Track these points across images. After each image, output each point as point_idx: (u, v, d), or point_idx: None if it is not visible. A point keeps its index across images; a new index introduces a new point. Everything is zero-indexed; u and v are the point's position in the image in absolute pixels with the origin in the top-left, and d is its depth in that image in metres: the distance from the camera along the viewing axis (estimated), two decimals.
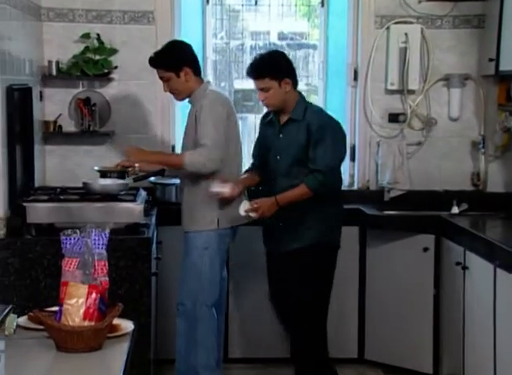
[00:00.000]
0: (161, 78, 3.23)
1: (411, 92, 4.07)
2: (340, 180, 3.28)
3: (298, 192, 3.05)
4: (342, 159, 3.17)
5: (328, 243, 3.17)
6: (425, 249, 3.64)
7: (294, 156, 3.08)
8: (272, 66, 3.07)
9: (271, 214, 3.07)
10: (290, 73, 3.11)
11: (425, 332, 3.68)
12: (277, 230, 3.17)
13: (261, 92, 3.08)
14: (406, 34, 3.98)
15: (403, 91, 4.05)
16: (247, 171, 3.34)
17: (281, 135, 3.13)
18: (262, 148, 3.25)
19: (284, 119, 3.14)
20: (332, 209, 3.18)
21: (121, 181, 3.25)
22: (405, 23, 4.02)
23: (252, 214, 3.05)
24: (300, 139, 3.06)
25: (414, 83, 4.01)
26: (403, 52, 3.98)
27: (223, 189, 3.06)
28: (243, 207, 3.05)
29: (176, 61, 3.18)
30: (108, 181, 3.28)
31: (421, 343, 3.69)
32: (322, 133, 3.05)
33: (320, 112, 3.19)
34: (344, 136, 3.19)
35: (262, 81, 3.05)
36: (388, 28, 4.03)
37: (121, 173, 3.29)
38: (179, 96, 3.27)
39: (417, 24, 4.02)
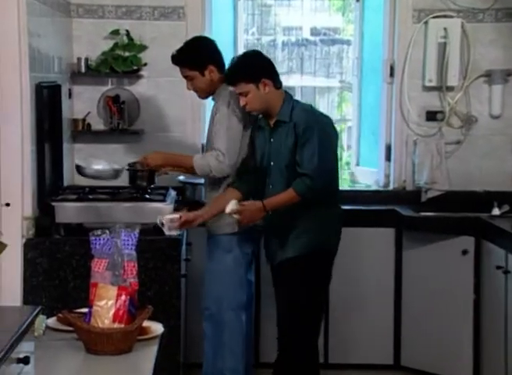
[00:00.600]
0: (184, 77, 3.21)
1: (450, 89, 4.02)
2: (335, 182, 3.05)
3: (285, 197, 2.92)
4: (331, 161, 2.98)
5: (321, 250, 3.00)
6: (464, 252, 3.59)
7: (286, 161, 2.96)
8: (245, 69, 2.95)
9: (256, 220, 2.94)
10: (268, 72, 2.96)
11: (465, 339, 3.63)
12: (271, 239, 3.07)
13: (241, 97, 2.98)
14: (445, 29, 3.93)
15: (441, 88, 4.01)
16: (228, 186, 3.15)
17: (272, 140, 3.01)
18: (257, 155, 3.10)
19: (273, 122, 3.02)
20: (326, 214, 3.00)
21: (115, 166, 3.28)
22: (444, 17, 3.98)
23: (236, 216, 2.93)
24: (289, 142, 2.95)
25: (453, 80, 3.97)
26: (442, 47, 3.94)
27: (172, 216, 2.95)
28: (230, 207, 2.91)
29: (200, 59, 3.13)
30: (100, 166, 3.31)
31: (460, 350, 3.65)
32: (309, 134, 2.89)
33: (307, 110, 3.01)
34: (334, 135, 3.01)
35: (239, 86, 2.96)
36: (426, 22, 3.98)
37: (151, 173, 3.32)
38: (203, 94, 3.26)
39: (457, 18, 3.97)
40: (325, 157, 2.91)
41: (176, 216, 2.98)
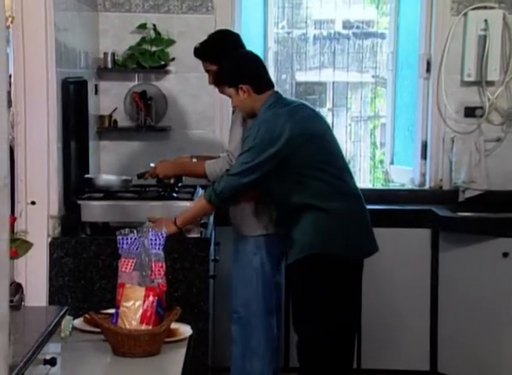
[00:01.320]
0: (207, 71, 3.24)
1: (490, 84, 3.97)
2: (323, 180, 2.89)
3: (197, 205, 2.98)
4: (258, 163, 2.86)
5: (317, 255, 2.86)
6: (505, 254, 3.55)
7: None
8: (224, 74, 3.04)
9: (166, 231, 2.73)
10: (247, 78, 2.96)
11: (506, 345, 3.58)
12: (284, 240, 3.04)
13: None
14: (485, 21, 3.89)
15: (481, 83, 3.96)
16: None
17: None
18: None
19: None
20: (325, 215, 2.86)
21: (124, 177, 3.33)
22: (485, 8, 3.93)
23: (149, 223, 2.91)
24: None
25: (493, 74, 3.92)
26: (482, 40, 3.89)
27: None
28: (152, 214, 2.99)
29: (226, 53, 3.13)
30: (110, 176, 3.38)
31: (500, 357, 3.60)
32: (248, 137, 2.92)
33: (261, 118, 2.93)
34: (274, 137, 2.85)
35: (224, 89, 3.08)
36: (465, 14, 3.94)
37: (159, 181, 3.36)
38: (226, 90, 3.26)
39: (498, 9, 3.92)
40: (248, 156, 2.87)
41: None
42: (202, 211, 2.99)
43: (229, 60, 3.07)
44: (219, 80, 3.09)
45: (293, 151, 2.87)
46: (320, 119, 3.07)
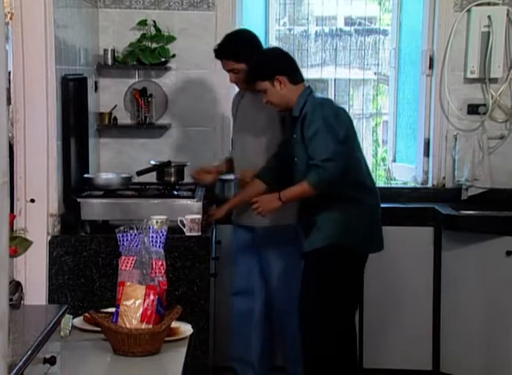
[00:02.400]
0: (230, 70, 3.30)
1: (494, 81, 3.96)
2: (358, 175, 3.04)
3: (299, 189, 3.00)
4: (342, 151, 2.95)
5: (341, 246, 3.00)
6: (509, 253, 3.54)
7: (301, 155, 3.04)
8: (258, 68, 3.10)
9: (272, 207, 3.02)
10: (282, 69, 3.07)
11: (510, 345, 3.57)
12: (300, 230, 3.18)
13: (263, 95, 3.12)
14: (489, 17, 3.87)
15: (484, 80, 3.95)
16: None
17: (294, 135, 3.10)
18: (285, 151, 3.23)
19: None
20: (348, 209, 3.02)
21: (124, 175, 3.34)
22: (488, 4, 3.91)
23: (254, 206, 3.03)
24: (299, 137, 3.05)
25: (497, 71, 3.90)
26: (486, 37, 3.88)
27: (194, 216, 3.03)
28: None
29: (250, 52, 3.23)
30: (110, 175, 3.39)
31: (505, 357, 3.59)
32: (314, 127, 2.97)
33: (316, 103, 3.03)
34: (343, 124, 3.00)
35: (257, 84, 3.09)
36: (469, 10, 3.93)
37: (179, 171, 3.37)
38: (245, 87, 3.32)
39: (502, 6, 3.90)
40: (331, 143, 2.95)
41: (198, 216, 3.03)
42: (304, 193, 2.99)
43: (262, 54, 3.18)
44: (253, 76, 3.11)
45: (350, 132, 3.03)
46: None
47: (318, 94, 3.17)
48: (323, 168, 2.93)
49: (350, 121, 3.10)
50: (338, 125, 2.98)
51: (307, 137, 2.99)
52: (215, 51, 3.33)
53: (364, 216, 3.06)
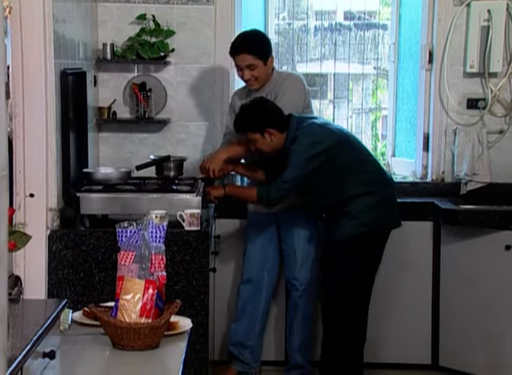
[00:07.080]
0: (248, 65, 3.35)
1: (493, 75, 3.95)
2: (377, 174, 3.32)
3: (247, 193, 3.38)
4: (295, 178, 3.20)
5: (373, 231, 3.23)
6: (508, 247, 3.54)
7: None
8: (249, 121, 3.23)
9: (213, 194, 3.31)
10: (271, 122, 3.20)
11: (508, 338, 3.58)
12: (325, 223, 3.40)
13: (252, 144, 3.29)
14: (489, 11, 3.87)
15: (483, 74, 3.95)
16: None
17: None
18: None
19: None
20: (373, 197, 3.24)
21: (123, 170, 3.36)
22: None
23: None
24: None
25: (496, 66, 3.90)
26: (485, 31, 3.87)
27: (193, 211, 3.06)
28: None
29: (268, 48, 3.40)
30: (109, 170, 3.40)
31: (503, 351, 3.60)
32: (291, 156, 3.20)
33: (297, 132, 3.21)
34: (321, 152, 3.18)
35: (247, 134, 3.27)
36: (468, 5, 3.92)
37: (159, 165, 3.39)
38: (258, 84, 3.43)
39: (502, 0, 3.90)
40: (298, 173, 3.17)
41: (197, 211, 3.03)
42: (249, 199, 3.36)
43: (250, 107, 3.29)
44: (244, 127, 3.27)
45: (335, 154, 3.21)
46: (334, 126, 3.43)
47: (302, 118, 3.28)
48: (278, 188, 3.18)
49: (338, 140, 3.23)
50: (315, 156, 3.16)
51: (289, 148, 3.20)
52: (236, 45, 3.38)
53: (390, 195, 3.31)
